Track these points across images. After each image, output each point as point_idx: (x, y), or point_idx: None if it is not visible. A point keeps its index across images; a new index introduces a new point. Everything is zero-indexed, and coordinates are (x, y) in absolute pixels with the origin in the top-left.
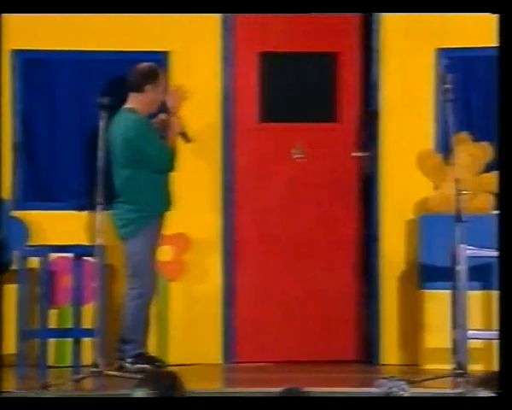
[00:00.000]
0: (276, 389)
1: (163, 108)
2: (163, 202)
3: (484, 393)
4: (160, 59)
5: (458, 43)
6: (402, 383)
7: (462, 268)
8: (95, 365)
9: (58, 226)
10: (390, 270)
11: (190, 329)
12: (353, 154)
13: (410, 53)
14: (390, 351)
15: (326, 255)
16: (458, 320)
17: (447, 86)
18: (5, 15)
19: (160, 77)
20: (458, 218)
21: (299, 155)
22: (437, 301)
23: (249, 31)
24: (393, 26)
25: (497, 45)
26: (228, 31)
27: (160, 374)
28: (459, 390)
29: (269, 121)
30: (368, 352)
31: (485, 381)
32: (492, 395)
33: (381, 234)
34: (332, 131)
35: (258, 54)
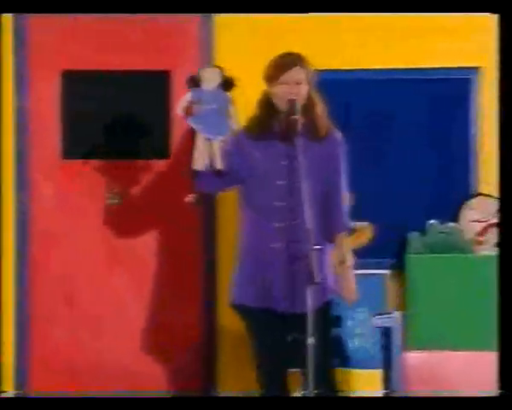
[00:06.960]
0: None
1: None
2: None
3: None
4: None
5: None
6: None
7: None
8: None
9: None
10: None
11: None
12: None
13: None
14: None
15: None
16: None
17: None
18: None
19: None
20: None
21: (115, 201)
22: None
23: (50, 44)
24: (226, 43)
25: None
26: (22, 43)
27: None
28: None
29: (74, 157)
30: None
31: None
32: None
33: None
34: (161, 168)
35: (62, 72)
